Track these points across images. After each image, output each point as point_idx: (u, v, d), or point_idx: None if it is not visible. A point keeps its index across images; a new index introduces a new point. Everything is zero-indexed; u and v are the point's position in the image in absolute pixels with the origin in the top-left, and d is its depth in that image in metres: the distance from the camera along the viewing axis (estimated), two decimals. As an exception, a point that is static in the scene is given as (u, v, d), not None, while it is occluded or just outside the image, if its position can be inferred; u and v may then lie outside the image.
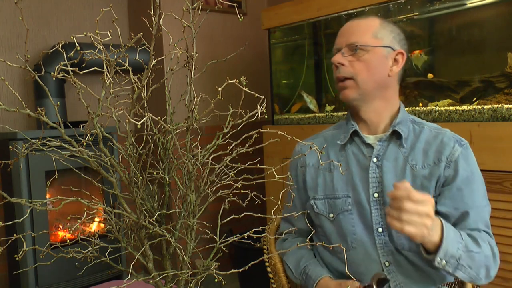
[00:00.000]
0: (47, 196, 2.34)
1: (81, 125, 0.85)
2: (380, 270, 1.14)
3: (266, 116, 0.80)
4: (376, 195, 1.15)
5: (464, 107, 1.86)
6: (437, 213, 1.11)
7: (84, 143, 0.79)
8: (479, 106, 1.81)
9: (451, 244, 1.00)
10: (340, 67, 1.16)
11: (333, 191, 1.20)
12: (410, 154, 1.15)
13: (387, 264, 1.14)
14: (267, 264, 1.35)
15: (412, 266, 1.13)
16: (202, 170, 0.84)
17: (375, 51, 1.14)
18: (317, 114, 2.49)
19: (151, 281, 0.85)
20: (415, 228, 0.94)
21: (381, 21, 1.18)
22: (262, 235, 1.30)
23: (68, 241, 2.48)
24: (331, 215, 1.20)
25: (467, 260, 1.03)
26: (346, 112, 2.36)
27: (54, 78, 0.79)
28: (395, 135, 1.17)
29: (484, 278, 1.08)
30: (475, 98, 1.91)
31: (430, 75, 2.06)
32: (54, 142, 0.82)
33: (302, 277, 1.22)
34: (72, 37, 0.77)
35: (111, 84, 0.80)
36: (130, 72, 0.83)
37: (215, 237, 0.84)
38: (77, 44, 0.76)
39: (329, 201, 1.21)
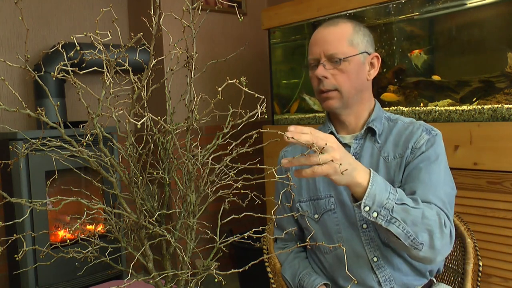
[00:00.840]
0: (47, 196, 2.34)
1: (81, 125, 0.85)
2: (368, 266, 1.14)
3: (266, 116, 0.80)
4: None
5: (464, 107, 1.86)
6: None
7: (84, 143, 0.79)
8: (479, 106, 1.81)
9: (379, 191, 0.94)
10: (324, 80, 1.17)
11: (316, 192, 1.23)
12: (382, 148, 1.17)
13: (375, 259, 1.14)
14: (267, 264, 1.35)
15: (400, 259, 1.14)
16: (202, 170, 0.84)
17: (354, 59, 1.16)
18: (317, 114, 2.49)
19: (151, 281, 0.85)
20: (326, 167, 0.88)
21: (353, 25, 1.19)
22: (262, 235, 1.30)
23: (68, 241, 2.48)
24: (316, 215, 1.22)
25: (402, 213, 0.96)
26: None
27: (54, 78, 0.79)
28: (370, 132, 1.20)
29: (426, 246, 0.99)
30: (475, 98, 1.91)
31: (436, 77, 2.05)
32: (54, 142, 0.82)
33: None
34: (72, 37, 0.77)
35: (111, 84, 0.80)
36: (130, 72, 0.83)
37: (215, 237, 0.84)
38: (77, 44, 0.76)
39: (313, 202, 1.23)
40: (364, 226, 1.15)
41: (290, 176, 0.99)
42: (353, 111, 1.21)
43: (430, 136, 1.13)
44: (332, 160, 0.88)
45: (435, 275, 1.23)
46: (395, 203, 0.96)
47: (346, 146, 1.21)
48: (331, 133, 1.23)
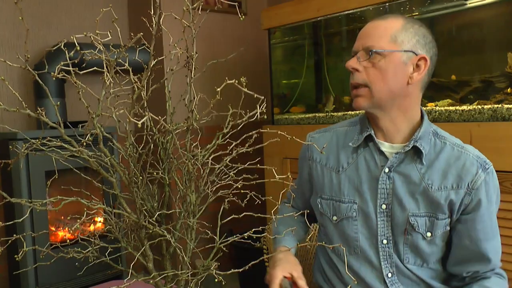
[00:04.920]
0: (47, 196, 2.34)
1: (80, 125, 0.85)
2: (381, 279, 1.12)
3: (265, 116, 0.80)
4: (384, 206, 1.11)
5: (464, 107, 1.86)
6: (451, 242, 1.12)
7: (84, 143, 0.79)
8: (479, 106, 1.81)
9: None
10: (354, 73, 1.07)
11: (339, 194, 1.16)
12: (427, 172, 1.08)
13: (389, 275, 1.11)
14: (267, 264, 1.35)
15: (417, 278, 1.12)
16: (202, 170, 0.84)
17: (392, 56, 1.05)
18: (317, 114, 2.49)
19: (151, 281, 0.85)
20: None
21: (404, 21, 1.07)
22: (262, 235, 1.30)
23: (68, 241, 2.48)
24: (335, 218, 1.16)
25: None
26: (346, 112, 2.37)
27: (54, 78, 0.79)
28: (413, 149, 1.09)
29: None
30: (475, 98, 1.91)
31: (454, 77, 2.03)
32: (54, 142, 0.82)
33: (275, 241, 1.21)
34: (72, 37, 0.77)
35: (111, 84, 0.80)
36: (130, 72, 0.83)
37: (215, 237, 0.84)
38: (77, 44, 0.76)
39: (334, 204, 1.17)
40: (384, 241, 1.11)
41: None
42: (389, 117, 1.10)
43: (486, 174, 1.07)
44: None
45: None
46: None
47: (383, 154, 1.11)
48: (369, 136, 1.13)
